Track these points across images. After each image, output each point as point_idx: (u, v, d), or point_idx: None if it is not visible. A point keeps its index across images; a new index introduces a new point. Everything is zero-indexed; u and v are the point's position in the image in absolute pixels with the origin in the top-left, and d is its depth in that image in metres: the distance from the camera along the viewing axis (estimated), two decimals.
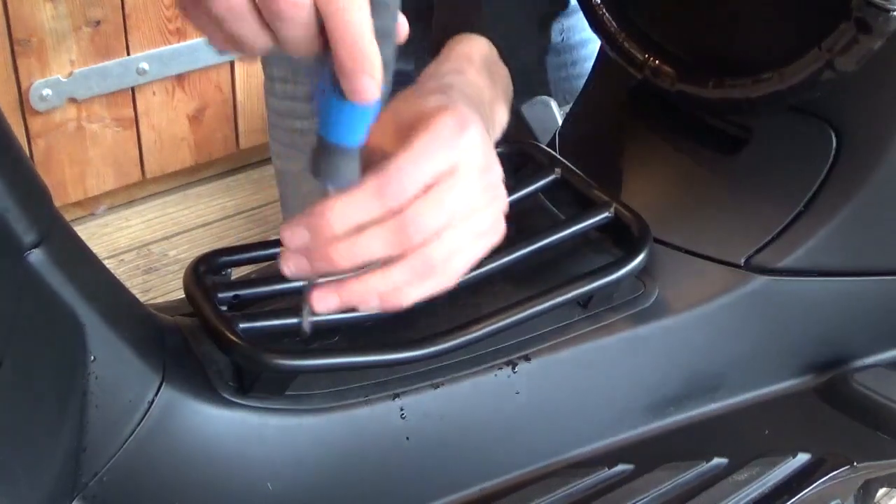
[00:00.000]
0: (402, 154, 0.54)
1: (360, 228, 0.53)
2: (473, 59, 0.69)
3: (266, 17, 0.47)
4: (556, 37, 1.07)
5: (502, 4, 0.74)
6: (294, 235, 0.53)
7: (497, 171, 0.58)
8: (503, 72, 0.72)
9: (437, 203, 0.54)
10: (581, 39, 1.07)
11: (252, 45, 0.49)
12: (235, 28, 0.48)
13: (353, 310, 0.56)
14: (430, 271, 0.55)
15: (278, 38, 0.48)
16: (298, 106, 1.10)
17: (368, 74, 0.48)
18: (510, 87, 0.72)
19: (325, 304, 0.55)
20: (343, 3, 0.47)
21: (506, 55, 0.72)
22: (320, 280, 0.55)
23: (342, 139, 0.51)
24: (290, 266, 0.54)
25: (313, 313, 0.56)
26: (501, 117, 0.70)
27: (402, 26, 0.52)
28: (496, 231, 0.59)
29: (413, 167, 0.54)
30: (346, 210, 0.52)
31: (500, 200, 0.59)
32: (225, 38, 0.50)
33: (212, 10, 0.47)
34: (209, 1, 0.47)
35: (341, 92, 0.49)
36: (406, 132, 0.56)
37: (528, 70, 1.08)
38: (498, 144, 0.77)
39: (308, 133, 1.10)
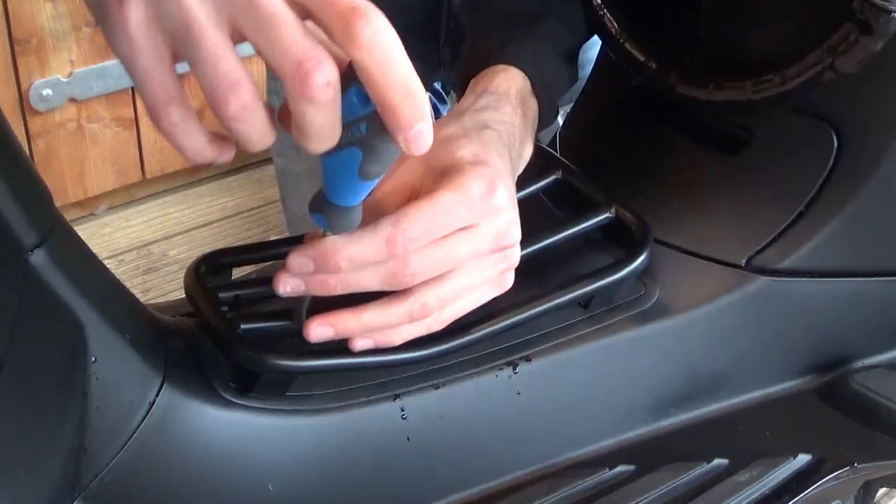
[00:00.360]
0: (422, 207, 0.54)
1: (363, 265, 0.54)
2: (511, 95, 0.69)
3: (292, 106, 0.44)
4: None
5: (533, 41, 0.74)
6: (301, 266, 0.54)
7: (514, 235, 0.58)
8: (534, 105, 0.71)
9: (443, 254, 0.55)
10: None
11: (256, 145, 0.47)
12: (244, 129, 0.46)
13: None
14: (426, 314, 0.57)
15: (304, 129, 0.45)
16: None
17: (425, 121, 0.46)
18: (536, 120, 0.72)
19: (320, 335, 0.56)
20: (386, 54, 0.44)
21: (539, 88, 0.72)
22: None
23: (346, 202, 0.52)
24: (287, 287, 0.55)
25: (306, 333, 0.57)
26: (528, 152, 0.70)
27: None
28: (502, 285, 0.60)
29: (430, 223, 0.54)
30: (355, 254, 0.53)
31: (510, 260, 0.59)
32: (209, 142, 0.48)
33: (223, 109, 0.45)
34: (223, 104, 0.45)
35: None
36: (436, 176, 0.56)
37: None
38: None
39: None
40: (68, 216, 1.69)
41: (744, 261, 0.71)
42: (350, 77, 0.46)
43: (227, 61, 0.44)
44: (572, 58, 0.78)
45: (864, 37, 0.61)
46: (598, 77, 0.86)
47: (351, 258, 0.53)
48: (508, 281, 0.60)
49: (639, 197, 0.74)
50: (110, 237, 1.84)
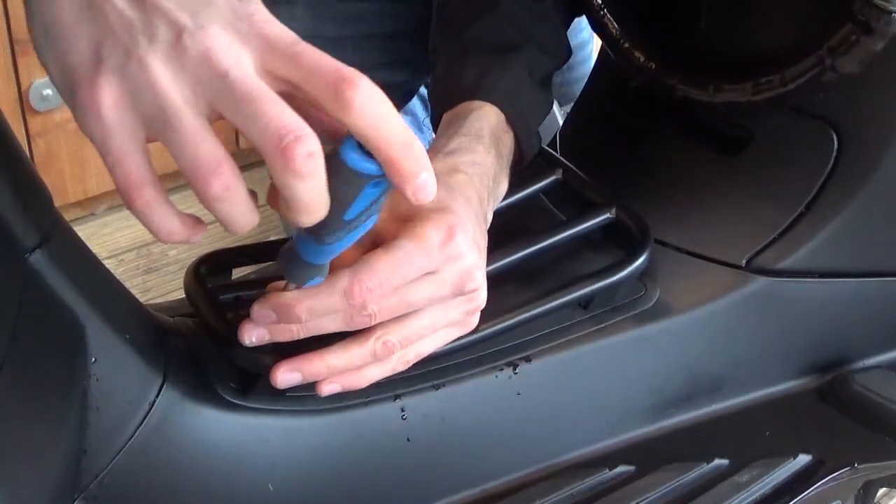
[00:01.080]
0: (380, 258, 0.55)
1: (323, 314, 0.55)
2: (483, 135, 0.69)
3: (278, 181, 0.44)
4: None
5: (509, 73, 0.73)
6: (264, 317, 0.55)
7: (476, 280, 0.59)
8: (508, 141, 0.71)
9: (401, 300, 0.56)
10: (578, 42, 1.07)
11: (240, 227, 0.47)
12: (227, 210, 0.46)
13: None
14: (389, 353, 0.57)
15: (292, 203, 0.45)
16: None
17: (428, 171, 0.47)
18: (511, 154, 0.72)
19: (287, 381, 0.57)
20: (381, 116, 0.45)
21: (516, 123, 0.72)
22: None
23: (316, 261, 0.53)
24: (253, 338, 0.56)
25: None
26: (502, 190, 0.70)
27: None
28: (466, 326, 0.61)
29: (388, 273, 0.55)
30: (314, 305, 0.54)
31: (474, 303, 0.60)
32: (190, 217, 0.48)
33: (205, 191, 0.45)
34: (203, 185, 0.45)
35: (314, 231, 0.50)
36: (399, 223, 0.57)
37: None
38: None
39: None
40: (68, 216, 1.69)
41: (744, 261, 0.71)
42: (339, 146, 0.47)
43: (207, 144, 0.44)
44: (548, 83, 0.77)
45: (864, 37, 0.61)
46: (598, 77, 0.86)
47: (311, 309, 0.55)
48: (473, 322, 0.61)
49: (639, 197, 0.74)
50: (110, 237, 1.83)
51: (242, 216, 0.46)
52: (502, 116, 0.71)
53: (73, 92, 0.45)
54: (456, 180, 0.62)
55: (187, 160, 0.45)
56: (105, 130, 0.45)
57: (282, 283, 0.56)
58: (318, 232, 0.50)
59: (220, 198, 0.45)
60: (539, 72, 0.75)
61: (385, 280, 0.55)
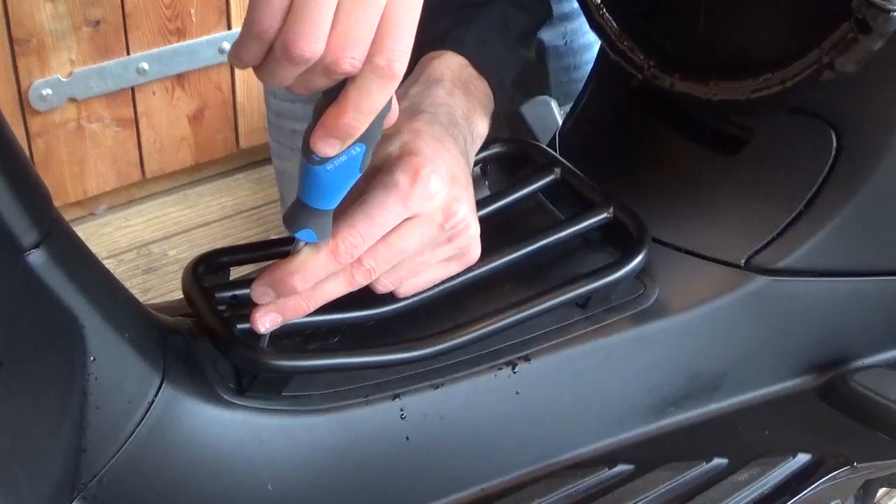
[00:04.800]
0: (356, 212, 0.57)
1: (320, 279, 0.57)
2: (443, 78, 0.70)
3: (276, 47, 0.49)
4: (558, 40, 1.06)
5: (479, 25, 0.74)
6: (264, 295, 0.57)
7: (460, 212, 0.60)
8: (482, 86, 0.72)
9: (391, 249, 0.58)
10: (585, 43, 1.07)
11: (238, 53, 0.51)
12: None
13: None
14: (367, 279, 0.59)
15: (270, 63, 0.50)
16: (299, 107, 1.10)
17: (337, 139, 0.52)
18: (490, 100, 0.72)
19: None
20: (370, 91, 0.50)
21: (485, 70, 0.72)
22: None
23: (320, 204, 0.55)
24: (266, 324, 0.58)
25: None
26: (481, 129, 0.71)
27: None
28: (465, 260, 0.63)
29: (367, 226, 0.57)
30: (307, 273, 0.57)
31: (465, 234, 0.61)
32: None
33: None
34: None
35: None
36: (370, 176, 0.59)
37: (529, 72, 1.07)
38: (499, 144, 0.77)
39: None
40: (68, 216, 1.69)
41: (743, 260, 0.71)
42: None
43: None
44: (527, 41, 0.78)
45: (862, 36, 0.61)
46: (597, 77, 0.86)
47: (304, 277, 0.56)
48: (471, 255, 0.63)
49: (638, 196, 0.74)
50: (110, 237, 1.84)
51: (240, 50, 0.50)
52: (469, 66, 0.72)
53: None
54: (419, 121, 0.64)
55: None
56: None
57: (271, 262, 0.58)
58: (310, 155, 0.53)
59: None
60: (515, 27, 0.75)
61: (366, 233, 0.57)
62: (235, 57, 0.51)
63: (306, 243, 0.57)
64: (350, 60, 0.49)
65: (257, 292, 0.57)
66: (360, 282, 0.58)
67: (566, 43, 1.05)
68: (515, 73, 0.76)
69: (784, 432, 0.71)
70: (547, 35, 1.06)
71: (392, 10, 0.49)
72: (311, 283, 0.57)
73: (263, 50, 0.50)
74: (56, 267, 0.54)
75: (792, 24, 0.68)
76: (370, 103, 0.51)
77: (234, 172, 2.02)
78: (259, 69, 0.51)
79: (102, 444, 0.56)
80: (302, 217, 0.56)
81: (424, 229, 0.59)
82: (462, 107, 0.69)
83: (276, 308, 0.58)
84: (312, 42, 0.48)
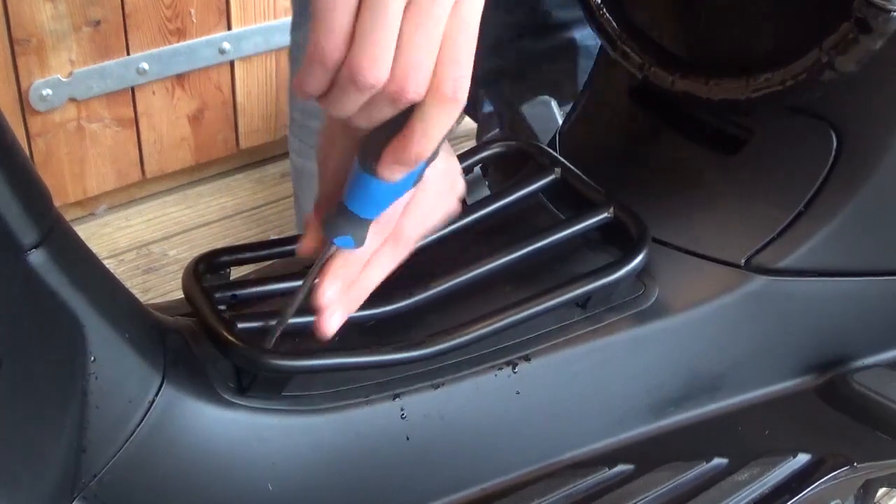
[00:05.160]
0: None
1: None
2: None
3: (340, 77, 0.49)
4: (588, 40, 1.07)
5: None
6: (333, 300, 0.58)
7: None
8: None
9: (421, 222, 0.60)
10: (597, 42, 1.07)
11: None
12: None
13: None
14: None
15: (333, 94, 0.50)
16: None
17: (405, 166, 0.52)
18: None
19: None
20: (439, 117, 0.50)
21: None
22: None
23: (366, 213, 0.55)
24: (334, 325, 0.58)
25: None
26: None
27: None
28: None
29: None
30: (374, 273, 0.59)
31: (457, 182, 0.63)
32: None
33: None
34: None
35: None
36: None
37: (539, 68, 1.07)
38: (498, 144, 0.77)
39: None
40: (68, 216, 1.69)
41: (743, 260, 0.71)
42: None
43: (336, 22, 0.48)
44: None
45: (863, 36, 0.61)
46: (598, 77, 0.86)
47: (372, 277, 0.60)
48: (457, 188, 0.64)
49: (638, 196, 0.74)
50: (110, 237, 1.83)
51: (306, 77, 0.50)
52: None
53: None
54: None
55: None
56: None
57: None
58: (366, 163, 0.53)
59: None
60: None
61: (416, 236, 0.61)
62: (300, 86, 0.51)
63: (338, 248, 0.57)
64: (415, 88, 0.49)
65: (328, 295, 0.57)
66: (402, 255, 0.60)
67: (596, 42, 1.05)
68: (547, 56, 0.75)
69: (784, 432, 0.71)
70: (578, 35, 1.07)
71: (452, 33, 0.48)
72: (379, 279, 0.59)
73: (328, 78, 0.50)
74: (56, 267, 0.54)
75: (792, 23, 0.68)
76: (436, 131, 0.51)
77: (234, 172, 2.01)
78: (324, 98, 0.51)
79: (102, 444, 0.56)
80: (343, 224, 0.55)
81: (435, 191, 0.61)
82: None
83: (341, 302, 0.58)
84: (377, 69, 0.48)
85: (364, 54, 0.47)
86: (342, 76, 0.49)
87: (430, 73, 0.49)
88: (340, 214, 0.55)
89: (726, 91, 0.70)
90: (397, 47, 0.48)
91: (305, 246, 0.59)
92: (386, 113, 0.51)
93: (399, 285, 0.66)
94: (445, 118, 0.50)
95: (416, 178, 0.55)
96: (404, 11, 0.48)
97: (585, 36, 1.07)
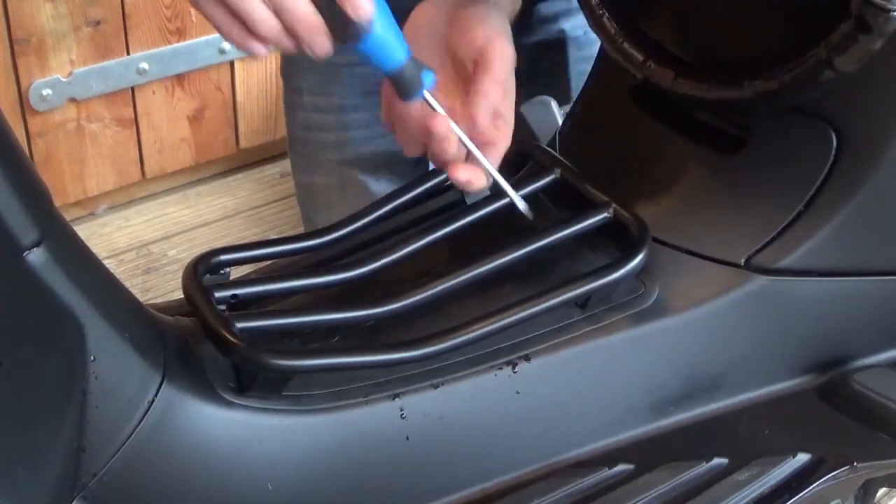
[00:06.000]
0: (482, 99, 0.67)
1: None
2: None
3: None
4: (578, 31, 1.07)
5: None
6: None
7: None
8: None
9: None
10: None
11: (260, 24, 0.56)
12: (240, 5, 0.56)
13: None
14: None
15: (280, 11, 0.56)
16: (330, 118, 1.09)
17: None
18: None
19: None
20: None
21: None
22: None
23: (397, 62, 0.62)
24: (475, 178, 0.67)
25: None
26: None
27: None
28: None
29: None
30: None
31: None
32: (237, 25, 0.57)
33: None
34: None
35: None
36: (464, 62, 0.69)
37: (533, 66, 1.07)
38: None
39: (339, 145, 1.09)
40: (68, 216, 1.69)
41: (743, 260, 0.71)
42: None
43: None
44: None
45: (862, 35, 0.61)
46: (598, 77, 0.86)
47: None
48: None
49: (638, 196, 0.74)
50: (110, 237, 1.83)
51: (257, 14, 0.57)
52: None
53: None
54: (490, 16, 0.71)
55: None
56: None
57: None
58: (347, 37, 0.60)
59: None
60: None
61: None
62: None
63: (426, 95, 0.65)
64: None
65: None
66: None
67: (585, 33, 1.06)
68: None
69: (784, 432, 0.71)
70: (567, 25, 1.07)
71: None
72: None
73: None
74: (56, 266, 0.54)
75: (792, 23, 0.68)
76: None
77: (234, 172, 2.02)
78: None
79: (102, 443, 0.56)
80: (408, 83, 0.63)
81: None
82: None
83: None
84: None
85: None
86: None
87: None
88: (396, 84, 0.63)
89: (726, 91, 0.70)
90: None
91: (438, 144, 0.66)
92: None
93: (399, 285, 0.66)
94: None
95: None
96: None
97: (574, 27, 1.07)
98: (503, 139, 0.69)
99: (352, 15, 0.58)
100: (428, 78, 0.64)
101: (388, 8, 0.61)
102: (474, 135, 0.67)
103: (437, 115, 0.65)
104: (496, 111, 0.68)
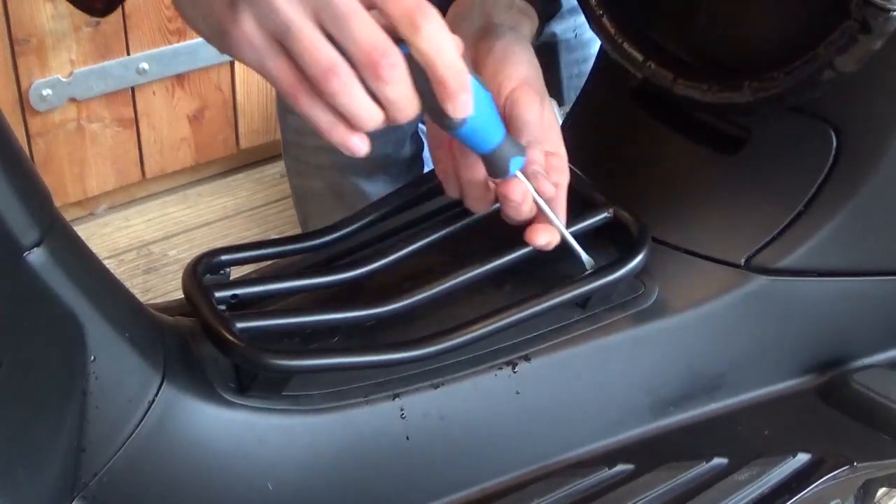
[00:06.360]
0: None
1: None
2: None
3: (371, 85, 0.54)
4: (569, 33, 1.07)
5: None
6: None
7: None
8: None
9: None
10: (593, 36, 1.07)
11: (365, 118, 0.55)
12: (346, 102, 0.54)
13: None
14: None
15: (385, 105, 0.55)
16: None
17: (468, 92, 0.56)
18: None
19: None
20: (439, 44, 0.54)
21: None
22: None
23: (492, 145, 0.61)
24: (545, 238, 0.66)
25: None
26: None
27: None
28: None
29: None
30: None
31: None
32: (334, 118, 0.56)
33: (325, 88, 0.54)
34: (323, 83, 0.53)
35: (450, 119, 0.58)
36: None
37: None
38: None
39: (333, 149, 1.09)
40: (68, 216, 1.69)
41: (743, 260, 0.71)
42: None
43: (322, 51, 0.53)
44: None
45: (862, 36, 0.61)
46: (598, 77, 0.86)
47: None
48: None
49: (638, 196, 0.74)
50: (110, 237, 1.83)
51: (363, 111, 0.55)
52: None
53: (222, 33, 0.55)
54: (516, 54, 0.70)
55: (308, 65, 0.53)
56: (259, 50, 0.54)
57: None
58: (444, 124, 0.58)
59: (337, 92, 0.54)
60: None
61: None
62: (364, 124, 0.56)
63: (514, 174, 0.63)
64: (383, 46, 0.53)
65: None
66: None
67: (576, 36, 1.06)
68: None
69: (784, 432, 0.71)
70: (559, 28, 1.07)
71: None
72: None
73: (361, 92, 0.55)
74: (56, 266, 0.54)
75: (792, 23, 0.68)
76: (441, 41, 0.54)
77: (234, 172, 2.02)
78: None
79: (102, 443, 0.56)
80: (498, 162, 0.62)
81: None
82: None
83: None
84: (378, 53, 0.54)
85: (356, 47, 0.53)
86: (368, 79, 0.54)
87: (380, 29, 0.53)
88: (488, 163, 0.62)
89: (726, 91, 0.70)
90: (343, 38, 0.53)
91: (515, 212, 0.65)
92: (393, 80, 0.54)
93: (399, 285, 0.66)
94: (431, 29, 0.53)
95: (481, 86, 0.60)
96: (315, 13, 0.53)
97: (566, 30, 1.07)
98: (563, 176, 0.68)
99: (451, 115, 0.57)
100: (519, 160, 0.63)
101: (485, 91, 0.60)
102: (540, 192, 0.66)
103: (514, 180, 0.63)
104: (548, 163, 0.67)
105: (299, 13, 0.53)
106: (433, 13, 0.54)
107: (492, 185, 0.66)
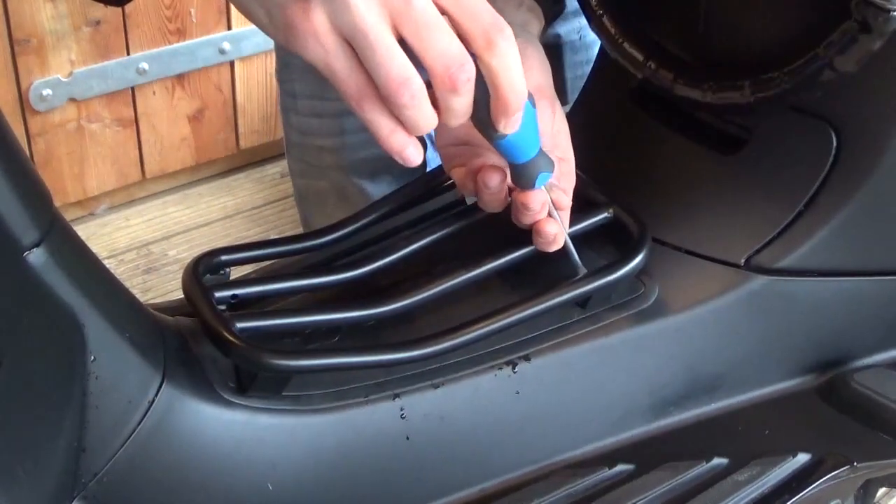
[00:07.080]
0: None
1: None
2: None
3: (440, 96, 0.54)
4: (573, 35, 1.07)
5: None
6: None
7: None
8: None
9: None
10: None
11: (425, 127, 0.55)
12: (412, 114, 0.53)
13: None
14: None
15: (449, 112, 0.55)
16: (326, 122, 1.08)
17: (521, 111, 0.56)
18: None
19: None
20: (508, 63, 0.54)
21: None
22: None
23: (527, 157, 0.62)
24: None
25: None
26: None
27: None
28: None
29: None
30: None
31: None
32: (395, 125, 0.55)
33: (395, 99, 0.52)
34: (395, 95, 0.52)
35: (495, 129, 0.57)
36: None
37: None
38: None
39: (337, 150, 1.09)
40: (68, 216, 1.69)
41: (743, 260, 0.71)
42: None
43: (397, 59, 0.52)
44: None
45: (862, 36, 0.61)
46: (598, 77, 0.86)
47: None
48: None
49: (638, 196, 0.74)
50: (110, 237, 1.83)
51: (425, 119, 0.54)
52: None
53: (287, 25, 0.53)
54: (531, 59, 0.70)
55: (381, 74, 0.52)
56: (327, 49, 0.52)
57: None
58: (489, 134, 0.58)
59: (407, 105, 0.53)
60: None
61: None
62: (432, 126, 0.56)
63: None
64: (460, 61, 0.53)
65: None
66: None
67: (580, 37, 1.06)
68: None
69: (784, 432, 0.71)
70: (563, 30, 1.07)
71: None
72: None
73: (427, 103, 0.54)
74: (56, 266, 0.54)
75: (792, 24, 0.68)
76: (510, 61, 0.54)
77: (234, 172, 2.02)
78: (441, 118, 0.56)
79: (102, 443, 0.56)
80: (527, 174, 0.62)
81: None
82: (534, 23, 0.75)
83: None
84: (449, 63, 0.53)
85: (435, 59, 0.52)
86: (441, 90, 0.53)
87: (458, 40, 0.52)
88: (518, 173, 0.62)
89: (726, 91, 0.70)
90: (423, 48, 0.52)
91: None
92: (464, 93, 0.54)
93: (399, 285, 0.66)
94: (505, 48, 0.53)
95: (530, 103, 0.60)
96: (393, 20, 0.52)
97: (570, 31, 1.07)
98: (571, 181, 0.69)
99: (501, 130, 0.57)
100: (546, 175, 0.63)
101: (532, 108, 0.60)
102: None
103: (534, 191, 0.63)
104: (558, 168, 0.66)
105: (377, 19, 0.51)
106: (508, 31, 0.53)
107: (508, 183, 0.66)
